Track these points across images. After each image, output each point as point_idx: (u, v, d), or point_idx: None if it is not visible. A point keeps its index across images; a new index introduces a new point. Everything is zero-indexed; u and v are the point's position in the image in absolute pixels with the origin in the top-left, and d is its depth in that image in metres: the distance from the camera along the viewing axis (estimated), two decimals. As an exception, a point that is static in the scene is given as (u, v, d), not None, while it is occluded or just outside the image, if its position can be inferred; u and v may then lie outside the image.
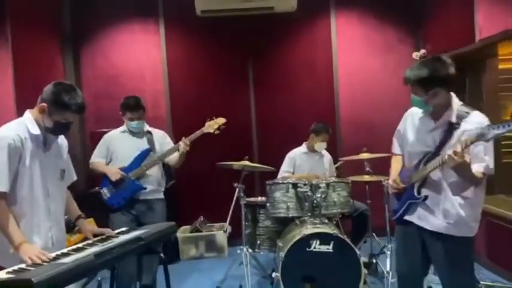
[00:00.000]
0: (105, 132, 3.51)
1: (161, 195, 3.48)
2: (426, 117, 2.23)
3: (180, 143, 3.29)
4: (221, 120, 3.45)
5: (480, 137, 1.86)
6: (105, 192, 3.31)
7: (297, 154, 4.18)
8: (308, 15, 5.12)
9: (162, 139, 3.51)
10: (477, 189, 2.13)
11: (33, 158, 2.07)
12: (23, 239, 1.95)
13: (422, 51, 4.89)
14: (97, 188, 3.45)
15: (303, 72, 5.14)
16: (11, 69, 3.71)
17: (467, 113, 2.13)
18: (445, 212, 2.14)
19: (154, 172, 3.38)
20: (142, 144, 3.38)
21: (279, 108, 5.13)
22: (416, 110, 2.30)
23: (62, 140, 2.29)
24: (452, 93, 2.18)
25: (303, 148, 4.22)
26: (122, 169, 3.28)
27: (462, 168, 1.98)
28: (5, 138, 1.99)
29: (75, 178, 2.42)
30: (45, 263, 1.85)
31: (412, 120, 2.32)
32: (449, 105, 2.15)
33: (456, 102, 2.17)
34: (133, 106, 3.33)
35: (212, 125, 3.41)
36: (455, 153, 1.90)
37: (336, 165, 4.28)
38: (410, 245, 2.31)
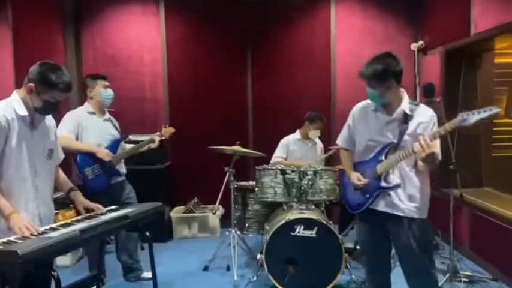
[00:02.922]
0: None
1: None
2: (380, 112, 2.34)
3: (156, 138, 3.44)
4: (171, 129, 3.57)
5: (463, 122, 1.99)
6: (90, 173, 3.17)
7: (290, 140, 4.26)
8: (308, 2, 5.13)
9: (118, 127, 3.54)
10: (428, 177, 2.34)
11: (20, 138, 2.11)
12: (12, 210, 2.03)
13: (421, 42, 4.92)
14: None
15: (301, 59, 5.17)
16: (11, 47, 3.77)
17: (416, 105, 2.31)
18: (411, 197, 2.30)
19: None
20: (111, 128, 3.41)
21: (275, 94, 5.18)
22: (365, 104, 2.44)
23: (49, 120, 2.33)
24: (402, 88, 2.32)
25: (296, 135, 4.30)
26: None
27: (430, 159, 2.11)
28: None
29: (62, 157, 2.48)
30: (33, 237, 1.94)
31: (365, 115, 2.42)
32: (401, 99, 2.29)
33: (406, 96, 2.32)
34: (102, 75, 3.42)
35: (167, 131, 3.53)
36: (426, 144, 2.03)
37: (326, 156, 4.32)
38: (377, 232, 2.42)
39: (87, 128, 3.27)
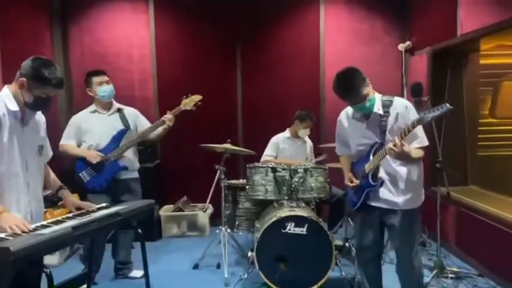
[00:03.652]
0: None
1: (137, 175, 3.52)
2: (358, 119, 2.51)
3: (166, 117, 3.33)
4: (197, 97, 3.42)
5: (420, 121, 2.15)
6: (84, 175, 3.28)
7: (280, 139, 4.29)
8: (298, 2, 5.16)
9: (134, 116, 3.50)
10: (419, 165, 2.49)
11: (12, 134, 2.08)
12: (3, 209, 2.00)
13: (408, 43, 5.00)
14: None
15: (290, 58, 5.20)
16: (-2, 43, 3.71)
17: (391, 100, 2.43)
18: (402, 190, 2.45)
19: (129, 151, 3.38)
20: (116, 122, 3.36)
21: (265, 93, 5.20)
22: (346, 112, 2.60)
23: (39, 116, 2.30)
24: (373, 91, 2.44)
25: (286, 133, 4.32)
26: (99, 150, 3.28)
27: (403, 156, 2.29)
28: None
29: (51, 154, 2.45)
30: (24, 234, 1.91)
31: (348, 122, 2.61)
32: (373, 101, 2.41)
33: (377, 95, 2.47)
34: (98, 70, 3.39)
35: (188, 103, 3.40)
36: (394, 145, 2.18)
37: (319, 159, 4.35)
38: (370, 225, 2.58)
39: (87, 129, 3.32)
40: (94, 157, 3.24)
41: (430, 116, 2.10)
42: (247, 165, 3.66)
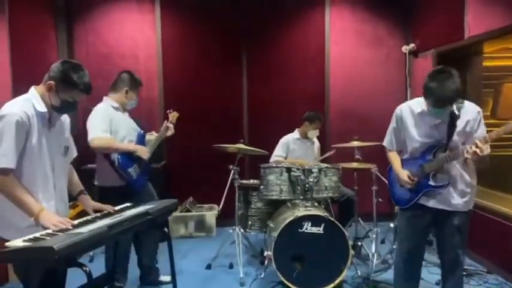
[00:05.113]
0: None
1: None
2: (427, 115, 2.38)
3: (169, 125, 3.32)
4: (176, 114, 3.44)
5: None
6: (132, 173, 3.04)
7: (290, 140, 4.33)
8: (304, 4, 5.21)
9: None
10: (475, 167, 2.47)
11: (40, 135, 2.08)
12: (41, 207, 2.00)
13: (412, 45, 5.09)
14: (89, 165, 3.26)
15: (295, 59, 5.24)
16: (8, 43, 3.65)
17: (461, 103, 2.36)
18: (462, 192, 2.42)
19: None
20: (133, 124, 3.29)
21: (270, 94, 5.23)
22: (410, 107, 2.48)
23: (64, 117, 2.29)
24: None
25: (295, 134, 4.37)
26: None
27: (482, 160, 2.25)
28: (13, 115, 1.97)
29: (75, 154, 2.44)
30: (59, 233, 1.91)
31: (412, 117, 2.48)
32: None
33: None
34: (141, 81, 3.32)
35: (175, 115, 3.41)
36: (480, 150, 2.12)
37: (326, 155, 4.41)
38: (419, 227, 2.53)
39: (117, 123, 3.09)
40: (145, 153, 3.09)
41: None
42: (261, 165, 3.68)
